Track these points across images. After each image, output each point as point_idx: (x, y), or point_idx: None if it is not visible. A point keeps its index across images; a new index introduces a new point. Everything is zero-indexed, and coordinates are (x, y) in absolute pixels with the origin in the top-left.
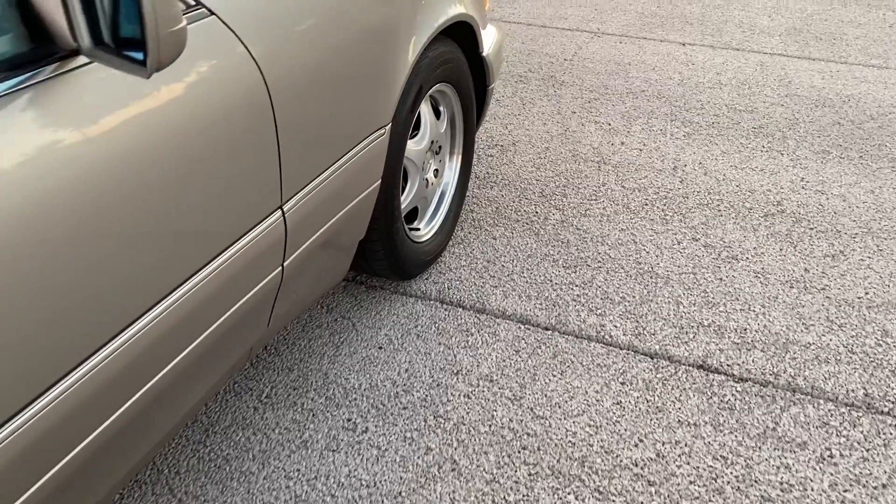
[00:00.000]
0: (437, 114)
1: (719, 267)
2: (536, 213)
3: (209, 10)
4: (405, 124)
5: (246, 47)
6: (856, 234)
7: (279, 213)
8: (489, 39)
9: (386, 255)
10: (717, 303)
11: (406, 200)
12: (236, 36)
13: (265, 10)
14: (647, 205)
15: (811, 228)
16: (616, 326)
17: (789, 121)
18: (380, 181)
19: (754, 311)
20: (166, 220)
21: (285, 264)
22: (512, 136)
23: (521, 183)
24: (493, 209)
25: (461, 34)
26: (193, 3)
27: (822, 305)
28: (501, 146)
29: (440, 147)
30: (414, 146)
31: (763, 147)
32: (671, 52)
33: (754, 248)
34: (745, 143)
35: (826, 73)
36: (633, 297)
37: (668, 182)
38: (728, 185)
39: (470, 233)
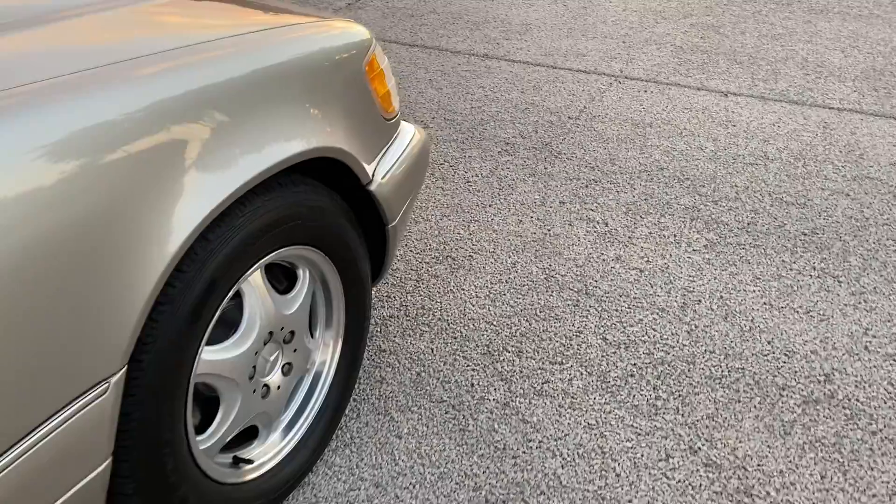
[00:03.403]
0: (294, 280)
1: None
2: (472, 386)
3: None
4: (179, 346)
5: None
6: None
7: None
8: (393, 154)
9: None
10: None
11: (216, 436)
12: None
13: None
14: (632, 376)
15: (874, 433)
16: None
17: (856, 222)
18: (110, 460)
19: None
20: None
21: None
22: (472, 241)
23: (464, 327)
24: (413, 376)
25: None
26: None
27: None
28: (452, 259)
29: (292, 333)
30: (223, 354)
31: (814, 269)
32: (708, 107)
33: (781, 471)
34: (788, 263)
35: None
36: None
37: (671, 333)
38: (756, 340)
39: (367, 423)
